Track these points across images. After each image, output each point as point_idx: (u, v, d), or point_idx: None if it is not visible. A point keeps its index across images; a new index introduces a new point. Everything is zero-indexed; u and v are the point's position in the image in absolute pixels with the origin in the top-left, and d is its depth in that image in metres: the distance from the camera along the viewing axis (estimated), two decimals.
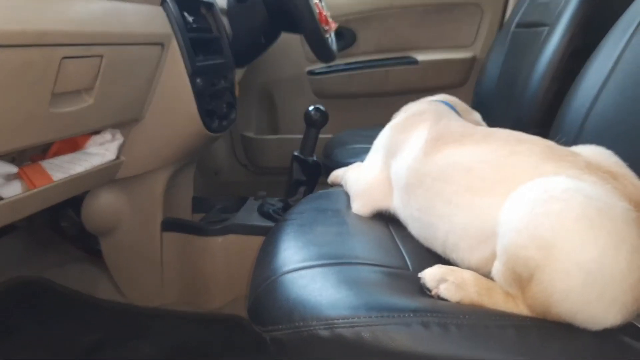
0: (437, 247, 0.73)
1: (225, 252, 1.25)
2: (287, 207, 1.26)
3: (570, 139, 0.96)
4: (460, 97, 1.84)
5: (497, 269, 0.61)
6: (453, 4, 1.83)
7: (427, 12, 1.84)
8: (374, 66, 1.86)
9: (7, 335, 1.21)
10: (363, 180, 0.91)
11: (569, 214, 0.54)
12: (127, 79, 0.96)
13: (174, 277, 1.29)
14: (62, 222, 1.35)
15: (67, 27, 0.74)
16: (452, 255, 0.70)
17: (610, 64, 0.92)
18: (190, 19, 1.14)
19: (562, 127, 1.02)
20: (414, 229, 0.79)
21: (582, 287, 0.53)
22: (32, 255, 1.42)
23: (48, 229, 1.42)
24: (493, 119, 1.53)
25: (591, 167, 0.62)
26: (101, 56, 0.84)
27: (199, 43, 1.15)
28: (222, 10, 1.34)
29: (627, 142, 0.82)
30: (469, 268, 0.68)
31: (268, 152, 1.99)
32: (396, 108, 1.88)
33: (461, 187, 0.68)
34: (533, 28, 1.37)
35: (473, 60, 1.85)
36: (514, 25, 1.53)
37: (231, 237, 1.24)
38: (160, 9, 1.02)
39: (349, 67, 1.88)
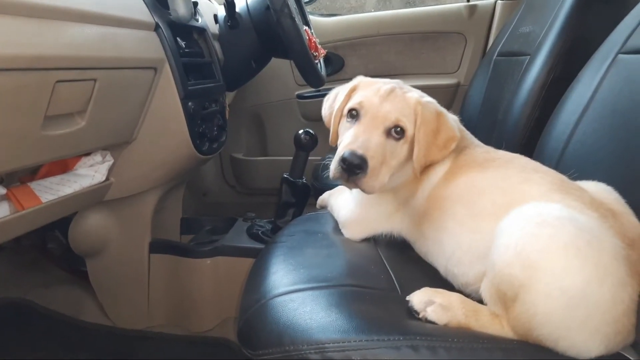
0: (441, 261, 0.76)
1: (214, 274, 1.25)
2: (276, 229, 1.27)
3: (552, 165, 0.99)
4: None
5: (484, 285, 0.64)
6: (438, 33, 1.89)
7: (412, 39, 1.90)
8: None
9: None
10: (355, 212, 0.89)
11: (558, 240, 0.57)
12: (120, 102, 0.97)
13: (162, 299, 1.28)
14: (48, 244, 1.34)
15: (62, 51, 0.75)
16: (454, 269, 0.73)
17: (589, 94, 0.96)
18: (182, 43, 1.16)
19: (544, 153, 1.06)
20: (421, 246, 0.81)
21: (563, 312, 0.55)
22: (16, 276, 1.40)
23: (34, 249, 1.40)
24: None
25: (594, 203, 0.66)
26: (94, 80, 0.85)
27: (191, 67, 1.16)
28: (214, 35, 1.37)
29: (607, 168, 0.85)
30: (467, 281, 0.71)
31: (256, 174, 2.00)
32: None
33: (474, 209, 0.72)
34: (514, 57, 1.42)
35: (457, 86, 1.90)
36: (496, 53, 1.58)
37: (220, 259, 1.24)
38: (153, 34, 1.04)
39: None
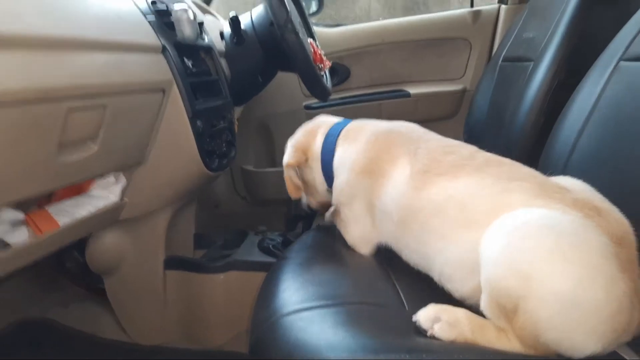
0: (434, 276, 0.76)
1: (227, 289, 1.27)
2: (286, 242, 1.29)
3: (557, 172, 0.99)
4: (451, 128, 1.91)
5: (484, 301, 0.65)
6: (442, 39, 1.90)
7: (417, 47, 1.91)
8: (368, 100, 1.92)
9: None
10: (354, 233, 0.93)
11: (543, 248, 0.58)
12: (130, 125, 1.00)
13: (177, 314, 1.31)
14: (66, 263, 1.37)
15: (71, 81, 0.78)
16: (447, 285, 0.73)
17: (592, 101, 0.96)
18: (189, 63, 1.18)
19: (550, 160, 1.06)
20: (410, 259, 0.81)
21: (561, 315, 0.57)
22: (36, 295, 1.44)
23: (52, 269, 1.44)
24: (484, 149, 1.58)
25: (578, 203, 0.66)
26: (105, 106, 0.88)
27: (198, 86, 1.19)
28: (220, 52, 1.39)
29: (610, 176, 0.85)
30: (462, 296, 0.71)
31: (267, 185, 2.02)
32: None
33: (456, 222, 0.71)
34: (519, 62, 1.43)
35: (463, 92, 1.90)
36: (501, 59, 1.58)
37: (232, 274, 1.26)
38: (160, 56, 1.06)
39: (344, 101, 1.93)
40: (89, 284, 1.41)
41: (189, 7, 1.25)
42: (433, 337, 0.65)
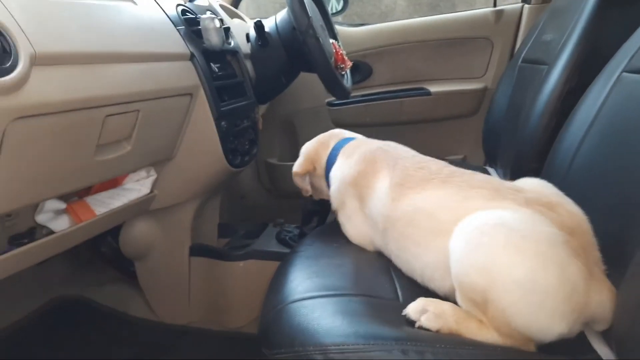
0: (417, 278, 0.84)
1: (246, 276, 1.37)
2: (302, 235, 1.37)
3: (560, 177, 1.03)
4: (471, 126, 1.94)
5: (458, 298, 0.72)
6: (464, 38, 1.92)
7: (439, 46, 1.94)
8: (389, 97, 1.96)
9: (50, 350, 1.36)
10: (350, 232, 1.03)
11: (497, 243, 0.66)
12: (161, 126, 1.10)
13: (200, 297, 1.42)
14: (102, 247, 1.50)
15: (109, 91, 0.88)
16: (430, 285, 0.82)
17: (595, 109, 0.99)
18: (216, 67, 1.27)
19: (554, 165, 1.10)
20: (397, 263, 0.90)
21: (522, 300, 0.64)
22: (74, 276, 1.58)
23: (89, 251, 1.58)
24: (501, 149, 1.62)
25: (529, 202, 0.74)
26: (138, 110, 0.98)
27: (224, 88, 1.28)
28: (246, 54, 1.48)
29: (606, 185, 0.89)
30: (445, 294, 0.79)
31: (290, 178, 2.11)
32: (409, 136, 1.98)
33: (427, 230, 0.80)
34: (536, 65, 1.45)
35: (484, 90, 1.92)
36: (520, 59, 1.60)
37: (251, 262, 1.36)
38: (189, 63, 1.16)
39: (366, 99, 1.98)
40: (122, 267, 1.53)
41: (216, 14, 1.34)
42: (421, 328, 0.72)
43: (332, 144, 1.12)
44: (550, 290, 0.63)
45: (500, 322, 0.67)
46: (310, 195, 1.18)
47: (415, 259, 0.83)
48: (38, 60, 0.71)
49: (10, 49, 0.66)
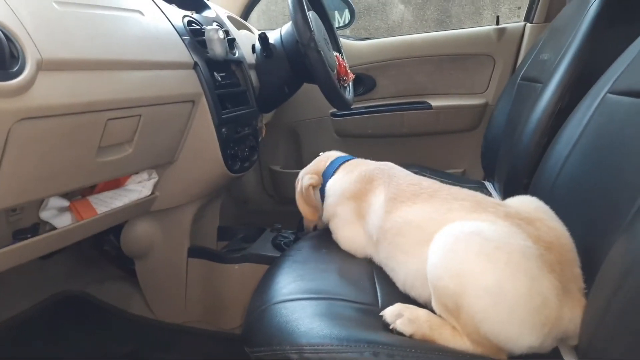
0: (400, 286, 0.88)
1: (241, 278, 1.41)
2: (297, 240, 1.41)
3: (546, 192, 1.06)
4: (471, 141, 1.97)
5: (433, 303, 0.76)
6: (467, 55, 1.96)
7: (442, 61, 1.97)
8: (391, 110, 2.01)
9: (53, 344, 1.41)
10: (342, 239, 1.08)
11: (470, 251, 0.69)
12: (162, 131, 1.15)
13: (197, 298, 1.46)
14: (104, 246, 1.56)
15: (112, 96, 0.92)
16: (411, 293, 0.85)
17: (580, 128, 1.02)
18: (219, 76, 1.32)
19: (540, 180, 1.13)
20: (385, 270, 0.94)
21: (492, 308, 0.67)
22: (78, 272, 1.63)
23: (92, 249, 1.63)
24: (498, 164, 1.64)
25: (508, 215, 0.78)
26: (140, 115, 1.03)
27: (227, 96, 1.33)
28: (250, 64, 1.53)
29: (587, 202, 0.91)
30: (424, 303, 0.82)
31: (292, 185, 2.15)
32: (410, 148, 2.01)
33: (413, 239, 0.84)
34: (532, 83, 1.48)
35: (485, 106, 1.95)
36: (520, 77, 1.63)
37: (246, 265, 1.40)
38: (192, 72, 1.21)
39: (368, 110, 2.03)
40: (124, 266, 1.58)
41: (222, 25, 1.39)
42: (395, 331, 0.75)
43: (330, 160, 1.20)
44: (519, 301, 0.66)
45: (471, 328, 0.69)
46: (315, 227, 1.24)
47: (400, 267, 0.87)
48: (44, 66, 0.76)
49: (18, 54, 0.71)
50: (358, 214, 1.02)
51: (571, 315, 0.69)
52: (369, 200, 1.01)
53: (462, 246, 0.70)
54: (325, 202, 1.13)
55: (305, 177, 1.19)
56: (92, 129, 0.91)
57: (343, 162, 1.17)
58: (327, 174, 1.17)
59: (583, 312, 0.70)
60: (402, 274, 0.86)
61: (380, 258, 0.95)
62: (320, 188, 1.17)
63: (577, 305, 0.70)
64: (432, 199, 0.87)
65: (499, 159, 1.65)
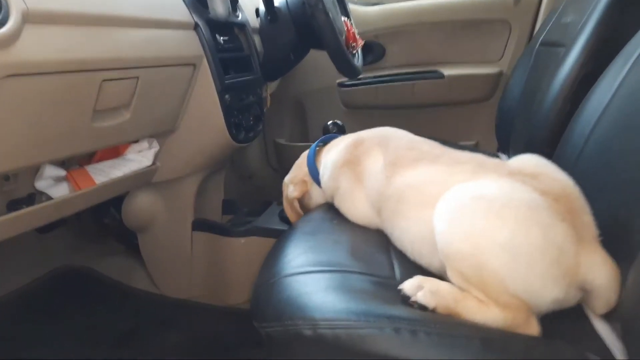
0: (409, 255, 0.84)
1: (247, 252, 1.36)
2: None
3: (571, 161, 0.99)
4: (485, 111, 1.89)
5: (449, 274, 0.71)
6: (481, 21, 1.86)
7: (455, 28, 1.88)
8: (401, 80, 1.92)
9: (53, 318, 1.37)
10: (348, 212, 1.02)
11: (478, 212, 0.67)
12: (161, 96, 1.08)
13: (202, 272, 1.41)
14: (105, 219, 1.50)
15: (107, 54, 0.86)
16: (421, 262, 0.81)
17: (611, 92, 0.95)
18: (222, 39, 1.25)
19: (566, 149, 1.06)
20: (393, 241, 0.89)
21: (512, 262, 0.64)
22: (78, 246, 1.59)
23: (94, 223, 1.58)
24: (514, 135, 1.57)
25: (512, 173, 0.76)
26: (137, 77, 0.96)
27: (230, 61, 1.26)
28: (254, 29, 1.45)
29: (622, 169, 0.85)
30: (437, 271, 0.78)
31: (297, 158, 2.09)
32: (421, 120, 1.93)
33: (415, 204, 0.81)
34: (554, 47, 1.40)
35: (499, 75, 1.87)
36: (538, 43, 1.55)
37: (252, 239, 1.35)
38: (193, 33, 1.14)
39: (377, 80, 1.94)
40: (125, 240, 1.53)
41: None
42: (416, 304, 0.69)
43: (305, 157, 1.18)
44: (536, 253, 0.64)
45: (497, 287, 0.65)
46: None
47: (405, 234, 0.83)
48: (31, 18, 0.69)
49: (0, 4, 0.65)
50: (357, 180, 0.98)
51: (589, 263, 0.67)
52: (364, 164, 0.97)
53: (468, 210, 0.68)
54: (322, 184, 1.10)
55: (290, 189, 1.16)
56: (86, 89, 0.85)
57: (323, 145, 1.15)
58: (310, 159, 1.15)
59: (628, 282, 0.65)
60: (409, 242, 0.83)
61: (386, 227, 0.91)
62: (311, 173, 1.14)
63: (594, 252, 0.68)
64: (434, 164, 0.84)
65: (514, 130, 1.58)
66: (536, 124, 1.33)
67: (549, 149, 1.22)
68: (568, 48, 1.26)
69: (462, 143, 1.86)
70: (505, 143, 1.68)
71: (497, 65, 1.89)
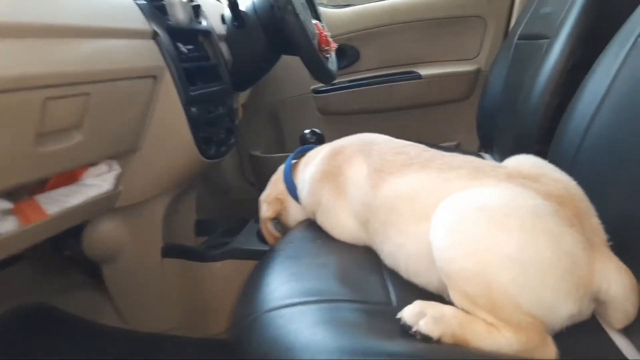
0: (403, 274, 0.76)
1: (225, 277, 1.26)
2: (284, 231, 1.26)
3: (569, 157, 0.93)
4: (465, 110, 1.84)
5: (451, 295, 0.63)
6: (456, 17, 1.82)
7: (429, 26, 1.83)
8: (378, 82, 1.86)
9: None
10: (333, 230, 0.93)
11: (480, 226, 0.61)
12: (118, 113, 0.98)
13: (176, 302, 1.30)
14: (64, 251, 1.38)
15: (49, 69, 0.75)
16: (416, 281, 0.73)
17: (607, 82, 0.89)
18: (185, 48, 1.15)
19: (561, 145, 0.99)
20: (383, 258, 0.81)
21: (522, 277, 0.58)
22: (37, 282, 1.45)
23: (54, 256, 1.45)
24: (497, 133, 1.51)
25: (511, 176, 0.70)
26: (88, 94, 0.85)
27: (195, 71, 1.16)
28: (220, 36, 1.35)
29: (627, 163, 0.78)
30: (436, 290, 0.70)
31: (274, 170, 2.00)
32: (400, 123, 1.87)
33: (408, 215, 0.73)
34: (535, 40, 1.35)
35: (477, 72, 1.82)
36: (516, 37, 1.50)
37: (230, 262, 1.25)
38: (151, 42, 1.03)
39: (353, 84, 1.87)
40: (90, 271, 1.40)
41: None
42: (418, 334, 0.60)
43: (281, 172, 1.10)
44: (547, 264, 0.58)
45: (507, 307, 0.58)
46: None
47: (397, 250, 0.75)
48: None
49: None
50: (339, 192, 0.90)
51: (602, 270, 0.62)
52: (346, 175, 0.88)
53: (469, 222, 0.61)
54: (301, 200, 1.01)
55: (263, 208, 1.09)
56: (25, 110, 0.73)
57: (300, 156, 1.07)
58: (286, 174, 1.08)
59: None
60: (403, 259, 0.75)
61: (374, 242, 0.82)
62: (288, 188, 1.06)
63: (606, 258, 0.64)
64: (424, 170, 0.77)
65: (497, 128, 1.52)
66: (523, 120, 1.27)
67: (540, 146, 1.16)
68: (552, 39, 1.21)
69: (443, 144, 1.80)
70: (488, 142, 1.62)
71: (474, 62, 1.84)
